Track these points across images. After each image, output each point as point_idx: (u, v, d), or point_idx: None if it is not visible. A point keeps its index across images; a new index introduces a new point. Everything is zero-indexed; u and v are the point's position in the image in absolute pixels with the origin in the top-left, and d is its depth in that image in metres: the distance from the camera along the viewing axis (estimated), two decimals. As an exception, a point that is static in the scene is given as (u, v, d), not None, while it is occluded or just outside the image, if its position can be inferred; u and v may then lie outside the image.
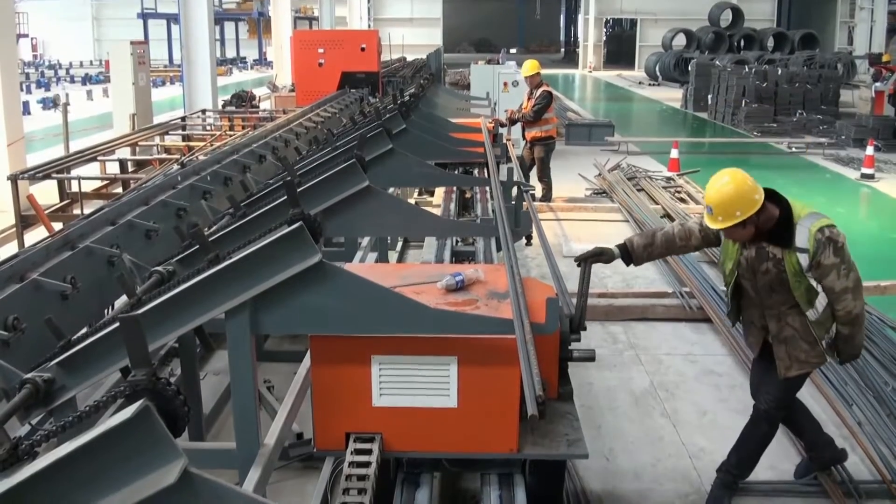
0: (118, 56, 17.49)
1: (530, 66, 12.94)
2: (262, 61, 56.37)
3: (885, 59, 29.94)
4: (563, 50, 77.13)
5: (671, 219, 11.89)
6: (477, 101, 13.99)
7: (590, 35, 55.71)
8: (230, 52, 61.71)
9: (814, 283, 4.73)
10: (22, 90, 23.41)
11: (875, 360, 6.88)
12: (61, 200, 9.74)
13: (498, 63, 22.10)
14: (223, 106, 17.86)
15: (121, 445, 1.75)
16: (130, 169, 11.35)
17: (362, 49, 17.01)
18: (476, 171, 7.70)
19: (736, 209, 4.63)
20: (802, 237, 4.68)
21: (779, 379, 4.93)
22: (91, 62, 56.16)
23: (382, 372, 3.51)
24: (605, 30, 58.65)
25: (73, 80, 44.71)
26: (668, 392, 6.75)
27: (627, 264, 5.25)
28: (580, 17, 60.95)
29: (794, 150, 20.22)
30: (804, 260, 4.68)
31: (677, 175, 15.11)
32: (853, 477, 5.35)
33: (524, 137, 13.05)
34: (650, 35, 53.04)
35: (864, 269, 10.86)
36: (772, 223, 4.77)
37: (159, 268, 3.85)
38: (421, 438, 3.61)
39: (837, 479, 5.32)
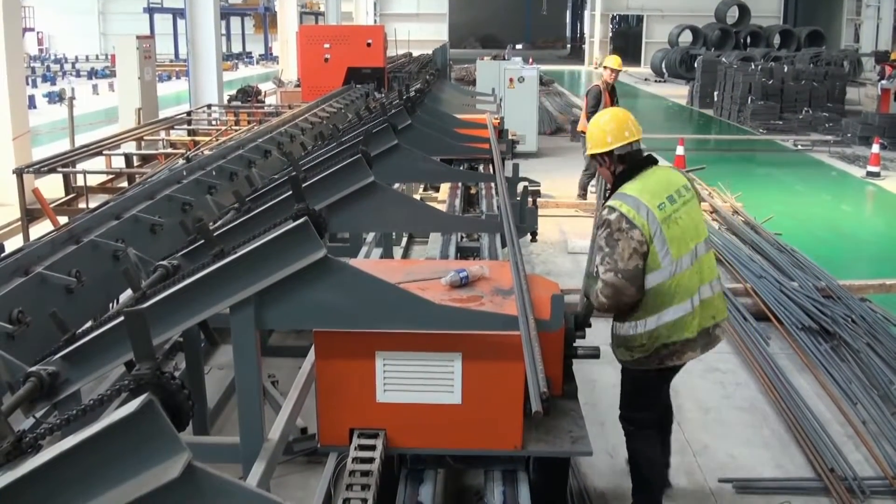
0: (124, 50, 17.51)
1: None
2: (267, 56, 56.37)
3: (891, 56, 29.88)
4: (569, 46, 76.96)
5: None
6: (483, 98, 13.97)
7: (596, 31, 55.58)
8: (236, 47, 61.62)
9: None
10: (28, 84, 23.43)
11: (880, 358, 6.88)
12: (66, 194, 9.77)
13: (504, 59, 22.09)
14: (229, 101, 17.88)
15: (125, 439, 1.75)
16: (136, 163, 11.37)
17: (368, 44, 17.01)
18: (481, 168, 7.69)
19: (590, 140, 4.72)
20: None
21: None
22: (97, 56, 56.18)
23: (387, 368, 3.52)
24: (611, 26, 58.51)
25: (78, 75, 44.74)
26: (673, 389, 6.69)
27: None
28: (586, 13, 60.76)
29: (799, 147, 20.17)
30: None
31: (683, 172, 15.08)
32: (857, 474, 5.34)
33: None
34: (656, 31, 52.95)
35: (870, 266, 10.91)
36: (611, 181, 4.70)
37: (164, 262, 3.85)
38: (425, 435, 3.61)
39: (841, 476, 5.31)
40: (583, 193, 13.39)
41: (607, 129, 4.62)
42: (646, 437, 4.86)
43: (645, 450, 4.85)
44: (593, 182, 12.94)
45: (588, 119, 12.76)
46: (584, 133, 12.92)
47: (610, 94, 13.09)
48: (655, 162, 4.73)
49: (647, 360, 4.61)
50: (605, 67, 13.31)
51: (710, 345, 4.72)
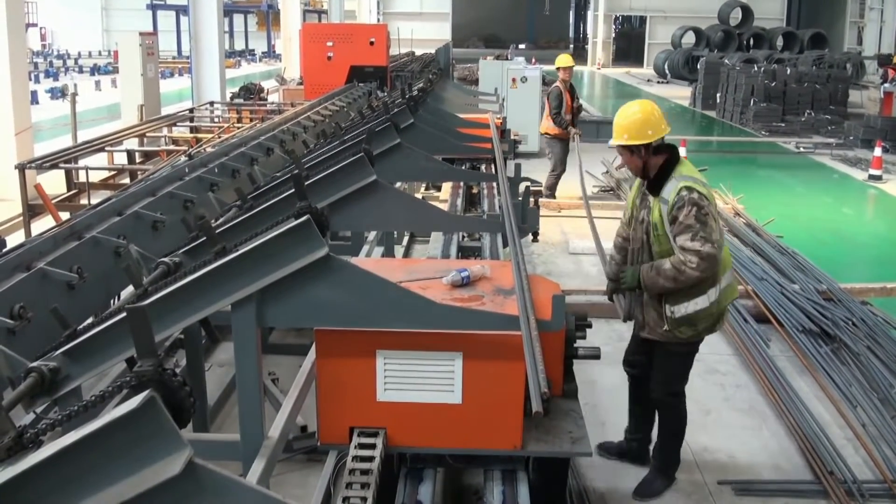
0: (127, 47, 17.50)
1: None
2: (270, 54, 56.38)
3: (894, 59, 29.84)
4: (572, 46, 76.93)
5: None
6: (485, 97, 13.97)
7: (599, 32, 55.63)
8: (239, 45, 61.69)
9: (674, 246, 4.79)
10: (30, 80, 23.43)
11: (880, 361, 6.88)
12: (69, 190, 9.77)
13: (507, 59, 22.08)
14: (231, 98, 17.89)
15: (126, 435, 1.75)
16: (138, 160, 11.39)
17: (371, 43, 17.02)
18: (483, 167, 7.70)
19: (624, 132, 4.92)
20: (670, 189, 4.82)
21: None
22: (100, 52, 56.21)
23: (387, 367, 3.52)
24: (614, 27, 58.54)
25: (81, 71, 44.72)
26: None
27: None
28: (589, 14, 60.78)
29: (801, 150, 20.17)
30: (664, 210, 4.79)
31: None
32: (856, 478, 5.34)
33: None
34: (659, 32, 52.96)
35: (871, 270, 10.90)
36: (656, 171, 4.93)
37: (166, 259, 3.86)
38: (425, 434, 3.61)
39: (840, 479, 5.31)
40: (550, 194, 13.42)
41: (648, 122, 4.89)
42: (682, 402, 5.36)
43: (685, 413, 5.36)
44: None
45: (552, 120, 12.96)
46: (548, 134, 13.05)
47: (570, 93, 13.23)
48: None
49: (708, 330, 5.07)
50: (557, 68, 13.39)
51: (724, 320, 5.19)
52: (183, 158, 7.89)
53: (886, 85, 23.11)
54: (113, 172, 10.87)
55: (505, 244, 5.48)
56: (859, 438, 5.88)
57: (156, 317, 3.02)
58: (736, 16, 46.84)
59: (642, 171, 4.98)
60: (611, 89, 41.56)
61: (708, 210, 4.71)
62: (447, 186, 7.84)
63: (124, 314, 2.91)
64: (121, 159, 11.62)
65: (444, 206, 6.92)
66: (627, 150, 4.95)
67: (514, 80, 17.58)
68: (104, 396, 2.25)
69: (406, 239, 8.93)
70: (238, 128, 11.95)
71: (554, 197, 13.42)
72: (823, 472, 5.39)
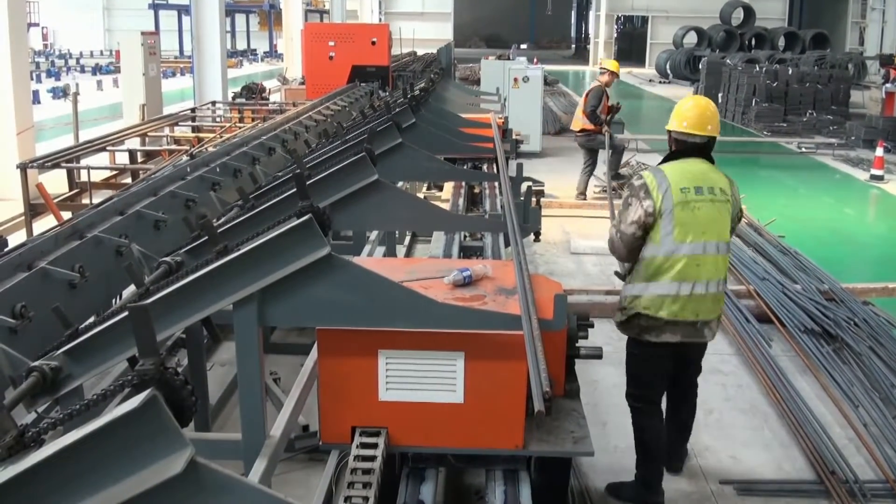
0: (129, 46, 17.50)
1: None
2: (272, 54, 56.41)
3: (896, 59, 29.83)
4: (573, 46, 77.01)
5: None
6: (487, 97, 13.97)
7: (601, 32, 55.61)
8: (241, 44, 61.73)
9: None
10: (32, 79, 23.40)
11: (882, 361, 6.88)
12: (70, 190, 9.77)
13: (508, 59, 22.07)
14: (233, 98, 17.87)
15: (127, 434, 1.75)
16: (140, 159, 11.39)
17: (373, 43, 17.03)
18: (485, 167, 7.69)
19: (674, 116, 5.11)
20: None
21: None
22: (101, 52, 56.20)
23: (389, 366, 3.51)
24: (616, 27, 58.52)
25: (83, 70, 44.72)
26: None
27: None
28: (591, 14, 60.83)
29: (803, 150, 20.16)
30: None
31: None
32: (858, 477, 5.33)
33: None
34: (661, 32, 52.93)
35: (873, 269, 10.91)
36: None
37: (167, 258, 3.85)
38: (426, 433, 3.61)
39: (842, 479, 5.31)
40: (583, 194, 13.63)
41: (688, 115, 5.02)
42: (648, 412, 5.17)
43: (647, 425, 5.15)
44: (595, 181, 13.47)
45: (587, 116, 13.21)
46: (583, 131, 13.18)
47: (607, 96, 13.56)
48: (706, 158, 5.05)
49: (627, 327, 5.08)
50: (602, 69, 13.83)
51: (694, 337, 4.98)
52: (185, 158, 7.89)
53: (888, 85, 23.06)
54: (115, 172, 10.86)
55: (507, 244, 5.48)
56: (861, 438, 5.88)
57: (157, 316, 3.01)
58: (738, 16, 46.84)
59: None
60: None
61: (631, 200, 4.85)
62: (449, 186, 7.84)
63: (126, 313, 2.90)
64: (122, 159, 11.62)
65: (446, 206, 6.92)
66: (668, 134, 5.14)
67: (515, 79, 17.58)
68: (106, 395, 2.25)
69: (408, 238, 8.92)
70: (240, 127, 11.95)
71: (585, 197, 13.71)
72: (825, 472, 5.39)
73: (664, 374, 5.19)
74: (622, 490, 5.23)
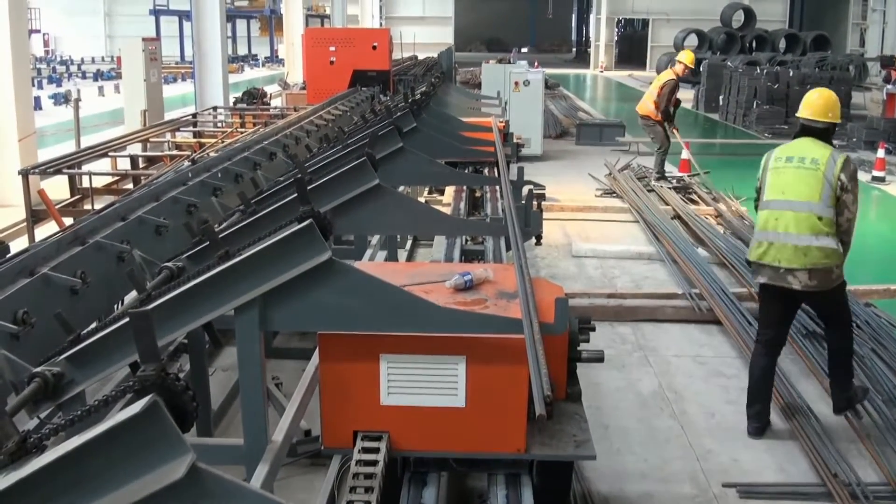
0: (130, 52, 17.55)
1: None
2: (273, 59, 56.39)
3: (897, 61, 29.83)
4: (574, 50, 77.02)
5: (681, 220, 11.87)
6: (488, 101, 13.99)
7: (601, 35, 55.59)
8: (242, 50, 61.76)
9: None
10: (33, 86, 23.49)
11: (884, 363, 6.86)
12: (72, 196, 9.78)
13: (509, 62, 22.08)
14: (234, 103, 17.90)
15: (129, 440, 1.75)
16: (141, 165, 11.39)
17: (374, 47, 17.04)
18: (486, 171, 7.70)
19: (805, 105, 6.15)
20: None
21: None
22: (103, 58, 56.30)
23: (391, 370, 3.52)
24: (616, 30, 58.50)
25: (84, 76, 44.78)
26: (677, 393, 6.74)
27: None
28: (592, 17, 60.80)
29: (805, 152, 20.11)
30: None
31: (688, 176, 15.08)
32: (860, 480, 5.33)
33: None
34: (662, 35, 52.88)
35: (874, 271, 10.88)
36: None
37: (169, 264, 3.86)
38: (428, 438, 3.61)
39: (845, 482, 5.30)
40: (661, 174, 14.72)
41: (815, 105, 6.07)
42: (757, 349, 6.23)
43: (752, 360, 6.24)
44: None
45: (656, 106, 14.32)
46: (648, 117, 14.55)
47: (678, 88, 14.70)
48: (822, 139, 5.99)
49: (750, 267, 6.24)
50: (678, 62, 14.73)
51: (779, 281, 5.85)
52: (186, 163, 7.88)
53: (889, 86, 23.04)
54: (116, 178, 10.87)
55: (508, 248, 5.48)
56: (863, 440, 5.87)
57: (159, 321, 3.01)
58: (738, 18, 46.78)
59: None
60: (613, 92, 41.54)
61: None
62: (450, 190, 7.85)
63: (127, 319, 2.91)
64: (124, 164, 11.62)
65: (448, 210, 6.93)
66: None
67: (516, 83, 17.58)
68: (107, 401, 2.25)
69: (409, 243, 8.93)
70: (241, 132, 11.96)
71: (665, 177, 14.60)
72: (828, 475, 5.38)
73: (774, 319, 6.12)
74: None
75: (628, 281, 9.63)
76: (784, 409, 6.30)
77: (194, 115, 14.60)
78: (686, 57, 14.79)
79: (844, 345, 6.11)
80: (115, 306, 4.83)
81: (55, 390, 2.91)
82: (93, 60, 54.19)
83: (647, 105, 14.80)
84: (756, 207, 6.20)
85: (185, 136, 13.31)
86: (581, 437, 3.68)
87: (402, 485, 3.84)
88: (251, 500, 1.85)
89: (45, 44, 61.33)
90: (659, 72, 44.46)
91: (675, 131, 14.73)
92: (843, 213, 5.73)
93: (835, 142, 6.11)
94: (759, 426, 6.05)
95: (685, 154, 15.15)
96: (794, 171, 5.82)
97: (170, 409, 1.80)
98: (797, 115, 6.15)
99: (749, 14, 46.65)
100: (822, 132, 6.00)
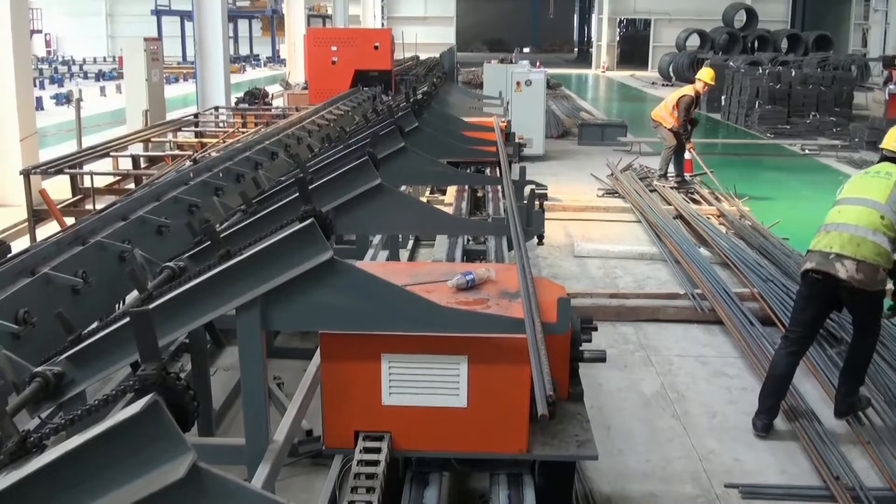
0: (131, 52, 17.56)
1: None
2: (275, 59, 56.40)
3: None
4: (576, 50, 77.02)
5: (683, 220, 11.86)
6: (490, 101, 13.99)
7: (603, 35, 55.61)
8: (244, 50, 61.76)
9: None
10: (35, 86, 23.47)
11: (886, 364, 6.85)
12: (73, 196, 9.77)
13: (511, 62, 22.07)
14: (236, 103, 17.90)
15: (130, 439, 1.75)
16: (143, 165, 11.38)
17: (375, 47, 17.03)
18: (488, 170, 7.69)
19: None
20: None
21: None
22: (104, 58, 56.33)
23: (392, 370, 3.51)
24: (618, 30, 58.51)
25: (86, 77, 44.81)
26: (679, 394, 6.73)
27: None
28: (594, 17, 60.87)
29: (807, 152, 20.15)
30: None
31: (690, 176, 15.08)
32: (863, 483, 5.32)
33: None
34: (664, 35, 52.90)
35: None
36: None
37: (170, 263, 3.85)
38: (430, 438, 3.60)
39: (847, 485, 5.29)
40: (664, 171, 14.91)
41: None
42: (782, 343, 6.28)
43: (774, 355, 6.33)
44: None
45: (677, 121, 14.46)
46: (661, 124, 14.75)
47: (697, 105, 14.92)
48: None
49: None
50: (698, 79, 14.87)
51: (825, 266, 5.88)
52: (188, 163, 7.87)
53: (891, 86, 23.07)
54: (118, 178, 10.85)
55: (510, 247, 5.47)
56: (865, 444, 5.86)
57: (160, 321, 3.01)
58: (740, 18, 46.78)
59: None
60: (615, 92, 41.54)
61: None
62: (452, 190, 7.84)
63: (128, 318, 2.90)
64: (126, 164, 11.61)
65: (449, 210, 6.92)
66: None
67: (518, 83, 17.58)
68: (108, 400, 2.25)
69: (411, 242, 8.91)
70: (243, 132, 11.95)
71: (666, 176, 14.82)
72: (830, 477, 5.37)
73: (808, 316, 6.15)
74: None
75: (630, 281, 9.62)
76: (786, 410, 6.29)
77: (196, 116, 14.59)
78: (706, 74, 14.83)
79: (866, 353, 6.22)
80: (117, 306, 4.83)
81: (56, 390, 2.90)
82: (94, 61, 54.23)
83: (660, 112, 14.94)
84: None
85: (186, 136, 13.31)
86: (583, 437, 3.67)
87: (404, 485, 3.84)
88: (252, 499, 1.84)
89: (47, 44, 61.41)
90: (661, 72, 44.54)
91: (690, 149, 14.90)
92: None
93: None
94: (768, 423, 6.07)
95: (689, 154, 15.14)
96: (868, 179, 6.13)
97: (171, 409, 1.80)
98: (881, 146, 6.45)
99: (751, 14, 46.66)
100: None
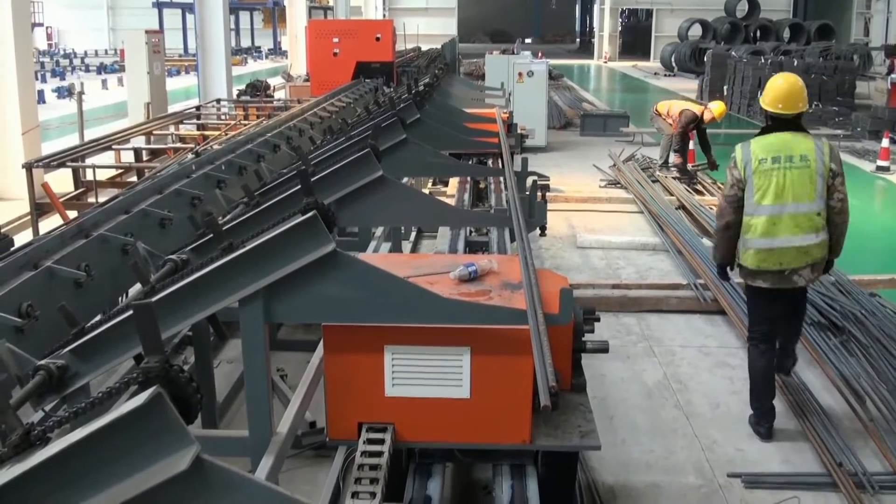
0: (133, 45, 17.54)
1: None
2: (276, 51, 56.39)
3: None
4: (578, 40, 76.90)
5: (686, 210, 11.86)
6: (491, 92, 13.97)
7: (605, 25, 55.56)
8: (245, 42, 61.68)
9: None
10: (37, 79, 23.43)
11: (889, 353, 6.85)
12: (76, 189, 9.77)
13: (513, 53, 22.04)
14: (238, 95, 17.89)
15: (133, 432, 1.75)
16: (145, 158, 11.36)
17: (377, 39, 16.97)
18: (490, 162, 7.69)
19: (767, 93, 5.86)
20: None
21: None
22: (106, 51, 56.35)
23: (395, 362, 3.51)
24: (620, 20, 58.42)
25: (87, 70, 44.82)
26: (681, 384, 6.73)
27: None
28: (596, 7, 60.81)
29: (809, 141, 20.08)
30: None
31: (692, 166, 15.07)
32: (866, 470, 5.32)
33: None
34: (666, 25, 52.82)
35: (879, 261, 10.86)
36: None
37: (173, 256, 3.85)
38: (433, 429, 3.61)
39: (850, 471, 5.30)
40: (665, 161, 15.12)
41: (776, 96, 5.76)
42: (755, 347, 6.01)
43: (751, 358, 6.04)
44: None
45: (675, 128, 14.55)
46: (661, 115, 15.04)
47: (698, 131, 14.81)
48: (797, 129, 5.79)
49: (741, 271, 5.93)
50: (709, 109, 14.69)
51: (784, 283, 5.78)
52: (190, 156, 7.86)
53: (893, 76, 22.99)
54: (120, 170, 10.84)
55: (512, 239, 5.47)
56: (868, 430, 5.87)
57: (163, 314, 3.02)
58: (742, 7, 46.69)
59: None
60: (617, 83, 41.47)
61: (729, 170, 5.83)
62: (454, 181, 7.85)
63: (131, 311, 2.90)
64: (128, 157, 11.61)
65: (452, 201, 6.92)
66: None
67: (520, 74, 17.56)
68: (111, 393, 2.25)
69: (413, 234, 8.92)
70: (245, 125, 11.93)
71: (667, 165, 15.05)
72: (833, 465, 5.38)
73: (768, 315, 5.98)
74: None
75: (633, 272, 9.62)
76: (789, 399, 6.29)
77: (198, 108, 14.57)
78: (717, 109, 14.68)
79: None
80: (120, 299, 4.84)
81: (59, 383, 2.91)
82: (96, 53, 54.27)
83: (665, 111, 15.17)
84: (731, 213, 5.84)
85: (188, 129, 13.28)
86: (586, 428, 3.68)
87: (408, 475, 3.85)
88: (256, 491, 1.85)
89: (49, 37, 61.42)
90: (663, 62, 44.48)
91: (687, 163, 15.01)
92: (834, 195, 5.67)
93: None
94: (770, 426, 5.95)
95: (691, 144, 15.13)
96: (786, 174, 5.61)
97: (174, 401, 1.80)
98: (764, 105, 5.83)
99: (753, 3, 46.57)
100: (793, 121, 5.79)
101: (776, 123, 5.79)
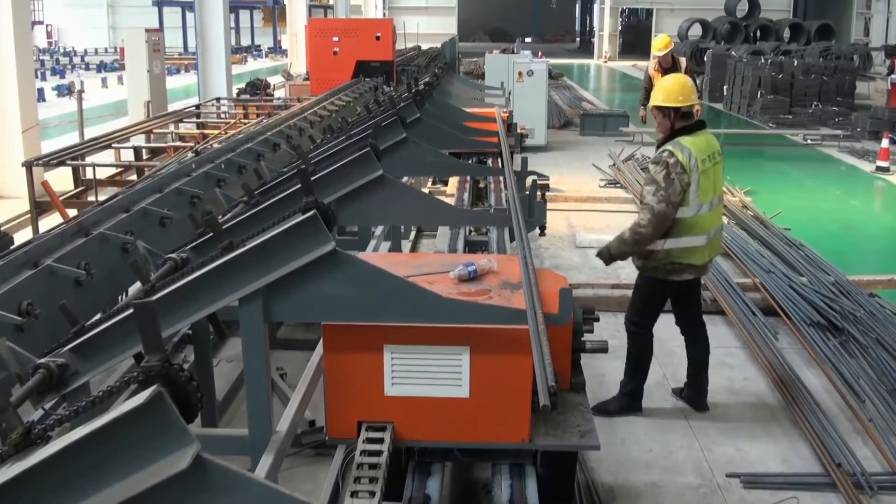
0: (133, 44, 17.53)
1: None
2: (276, 49, 56.33)
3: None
4: (578, 40, 76.82)
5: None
6: (491, 91, 13.97)
7: (605, 25, 55.49)
8: (245, 41, 61.63)
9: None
10: (37, 77, 23.42)
11: (888, 353, 6.85)
12: (76, 187, 9.77)
13: (513, 52, 22.03)
14: (238, 94, 17.89)
15: (133, 431, 1.75)
16: (145, 156, 11.36)
17: (377, 38, 16.98)
18: (490, 161, 7.69)
19: (659, 94, 5.87)
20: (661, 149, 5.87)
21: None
22: (106, 50, 56.24)
23: (395, 361, 3.51)
24: (620, 19, 58.38)
25: (87, 68, 44.78)
26: (681, 384, 6.73)
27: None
28: (596, 7, 60.72)
29: (809, 141, 20.11)
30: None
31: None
32: (864, 470, 5.33)
33: None
34: (666, 25, 52.66)
35: (878, 262, 10.88)
36: (668, 134, 5.92)
37: (173, 255, 3.86)
38: (432, 428, 3.61)
39: (849, 471, 5.31)
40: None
41: (680, 91, 5.81)
42: (645, 336, 6.23)
43: (643, 347, 6.23)
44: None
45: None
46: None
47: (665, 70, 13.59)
48: (704, 126, 5.97)
49: (653, 269, 5.98)
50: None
51: (703, 273, 6.19)
52: (190, 154, 7.86)
53: (893, 76, 22.99)
54: (120, 169, 10.84)
55: (512, 238, 5.47)
56: (867, 431, 5.87)
57: (163, 312, 3.02)
58: (742, 7, 46.60)
59: (668, 134, 5.91)
60: (617, 82, 41.46)
61: (674, 175, 5.65)
62: (454, 181, 7.85)
63: (131, 310, 2.91)
64: (128, 156, 11.60)
65: (451, 201, 6.93)
66: (661, 111, 5.88)
67: (520, 73, 17.55)
68: (112, 392, 2.25)
69: (413, 233, 8.92)
70: (244, 124, 11.94)
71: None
72: (832, 465, 5.39)
73: (661, 307, 6.24)
74: (609, 404, 6.23)
75: (632, 271, 9.57)
76: (788, 399, 6.30)
77: (197, 107, 14.57)
78: (661, 42, 14.07)
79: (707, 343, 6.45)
80: (120, 297, 4.84)
81: (59, 381, 2.91)
82: (96, 52, 54.18)
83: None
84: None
85: (188, 128, 13.28)
86: (585, 428, 3.68)
87: (407, 474, 3.85)
88: (256, 490, 1.85)
89: (48, 35, 61.40)
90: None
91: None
92: None
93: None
94: (640, 402, 6.30)
95: None
96: (716, 170, 5.90)
97: (174, 400, 1.80)
98: (662, 104, 5.86)
99: (753, 3, 46.48)
100: (699, 119, 6.07)
101: (696, 124, 5.92)
